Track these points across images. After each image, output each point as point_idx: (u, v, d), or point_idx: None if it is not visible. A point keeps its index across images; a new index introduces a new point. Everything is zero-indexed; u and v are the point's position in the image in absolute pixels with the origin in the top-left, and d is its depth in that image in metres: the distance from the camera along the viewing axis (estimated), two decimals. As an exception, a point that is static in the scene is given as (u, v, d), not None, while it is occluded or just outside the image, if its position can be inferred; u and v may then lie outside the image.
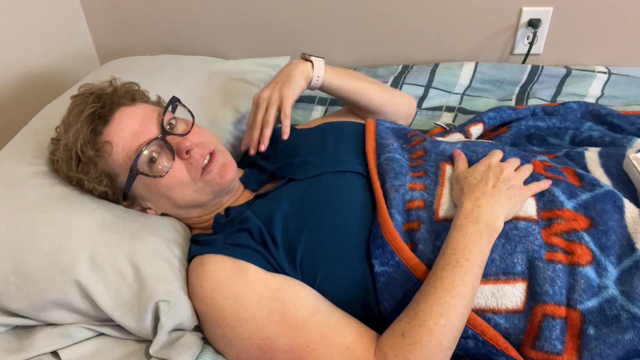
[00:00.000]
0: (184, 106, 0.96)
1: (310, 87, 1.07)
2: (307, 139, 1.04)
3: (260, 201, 0.92)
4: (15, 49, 1.43)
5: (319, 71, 1.05)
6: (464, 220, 0.78)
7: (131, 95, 0.96)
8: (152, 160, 0.87)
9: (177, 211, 0.95)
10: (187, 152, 0.88)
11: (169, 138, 0.88)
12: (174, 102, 0.94)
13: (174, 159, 0.88)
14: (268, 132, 1.00)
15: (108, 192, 0.91)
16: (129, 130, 0.88)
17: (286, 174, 0.95)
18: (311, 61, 1.05)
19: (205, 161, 0.90)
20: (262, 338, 0.77)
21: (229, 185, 0.93)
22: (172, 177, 0.88)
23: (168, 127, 0.90)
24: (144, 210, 0.95)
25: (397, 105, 1.17)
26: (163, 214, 0.97)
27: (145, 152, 0.87)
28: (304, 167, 0.95)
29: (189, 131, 0.91)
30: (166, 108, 0.92)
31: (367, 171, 0.93)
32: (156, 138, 0.88)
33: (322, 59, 1.06)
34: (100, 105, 0.89)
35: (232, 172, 0.92)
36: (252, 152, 1.01)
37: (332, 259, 0.82)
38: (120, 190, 0.91)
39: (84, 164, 0.88)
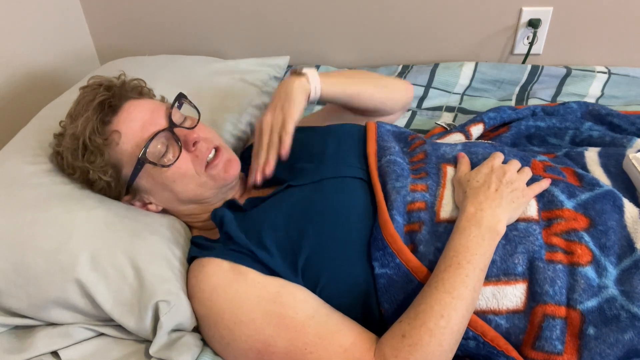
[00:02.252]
0: (190, 102, 0.98)
1: (310, 101, 0.99)
2: (307, 143, 1.04)
3: (258, 209, 0.91)
4: (16, 49, 1.43)
5: (315, 82, 0.98)
6: (466, 224, 0.79)
7: (139, 90, 0.98)
8: (159, 151, 0.88)
9: (179, 206, 0.95)
10: (194, 144, 0.89)
11: (177, 130, 0.90)
12: (181, 98, 0.96)
13: (180, 151, 0.89)
14: (272, 156, 0.93)
15: (111, 184, 0.91)
16: (139, 121, 0.89)
17: (285, 177, 0.95)
18: (304, 74, 0.97)
19: (211, 155, 0.91)
20: (259, 341, 0.77)
21: (232, 181, 0.94)
22: (178, 169, 0.89)
23: (175, 121, 0.91)
24: (144, 205, 0.95)
25: (393, 102, 1.12)
26: (163, 211, 0.97)
27: (154, 143, 0.88)
28: (303, 173, 0.94)
29: (195, 125, 0.93)
30: (173, 103, 0.94)
31: (367, 174, 0.93)
32: (164, 129, 0.89)
33: (314, 69, 1.00)
34: (111, 95, 0.90)
35: (237, 167, 0.94)
36: (259, 178, 0.92)
37: (335, 264, 0.82)
38: (124, 182, 0.91)
39: (90, 153, 0.88)
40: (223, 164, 0.92)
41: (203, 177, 0.91)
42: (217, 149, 0.92)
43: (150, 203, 0.94)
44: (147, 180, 0.90)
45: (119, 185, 0.91)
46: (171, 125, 0.89)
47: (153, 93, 1.02)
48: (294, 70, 1.00)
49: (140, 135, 0.88)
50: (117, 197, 0.94)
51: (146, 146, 0.87)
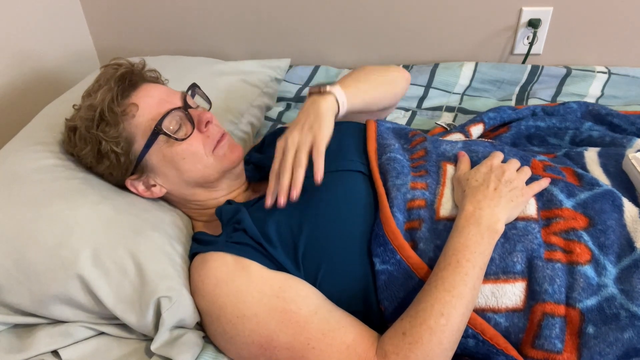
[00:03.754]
0: (203, 93, 1.01)
1: (336, 118, 0.94)
2: None
3: (261, 203, 0.92)
4: (16, 49, 1.43)
5: (342, 99, 0.93)
6: (465, 222, 0.79)
7: (155, 78, 1.01)
8: (173, 129, 0.91)
9: (183, 190, 0.95)
10: (207, 124, 0.92)
11: (191, 111, 0.93)
12: (194, 87, 1.00)
13: (193, 130, 0.92)
14: (300, 175, 0.84)
15: (121, 158, 0.91)
16: (156, 97, 0.93)
17: None
18: (330, 92, 0.92)
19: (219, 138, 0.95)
20: (262, 335, 0.77)
21: (237, 163, 0.96)
22: (189, 146, 0.91)
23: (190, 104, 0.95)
24: (148, 187, 0.95)
25: (397, 97, 1.12)
26: (166, 201, 0.99)
27: (168, 118, 0.90)
28: None
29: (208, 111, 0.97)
30: (187, 91, 0.98)
31: (368, 171, 0.94)
32: (179, 108, 0.92)
33: (337, 86, 0.94)
34: (131, 72, 0.94)
35: (240, 152, 0.96)
36: (283, 200, 0.84)
37: (334, 255, 0.83)
38: (133, 158, 0.92)
39: (105, 124, 0.90)
40: (228, 145, 0.95)
41: (210, 159, 0.93)
42: (223, 134, 0.96)
43: (155, 185, 0.95)
44: (157, 157, 0.92)
45: (127, 160, 0.92)
46: (186, 105, 0.93)
47: (167, 85, 1.04)
48: (316, 89, 0.93)
49: (157, 110, 0.91)
50: (123, 176, 0.94)
51: (162, 118, 0.90)
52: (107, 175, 0.95)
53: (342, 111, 0.93)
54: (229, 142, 0.95)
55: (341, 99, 0.93)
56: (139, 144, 0.91)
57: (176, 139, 0.90)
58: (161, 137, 0.90)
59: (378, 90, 1.04)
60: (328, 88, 0.92)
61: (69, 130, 0.96)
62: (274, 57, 1.50)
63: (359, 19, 1.54)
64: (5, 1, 1.39)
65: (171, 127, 0.91)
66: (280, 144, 0.88)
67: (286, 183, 0.84)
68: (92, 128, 0.90)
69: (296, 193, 0.83)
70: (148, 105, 0.91)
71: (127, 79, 0.92)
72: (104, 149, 0.90)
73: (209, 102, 1.01)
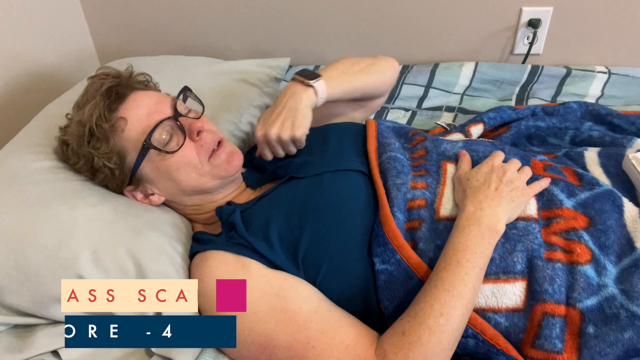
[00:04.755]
0: (195, 96, 0.99)
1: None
2: (308, 139, 1.04)
3: (261, 203, 0.92)
4: (16, 49, 1.43)
5: (322, 94, 0.97)
6: (465, 222, 0.79)
7: (145, 83, 1.00)
8: (164, 140, 0.89)
9: (181, 197, 0.95)
10: (198, 133, 0.90)
11: (182, 119, 0.91)
12: (186, 91, 0.97)
13: (184, 140, 0.90)
14: (293, 149, 0.98)
15: (115, 172, 0.91)
16: (145, 108, 0.90)
17: (287, 173, 0.96)
18: (312, 86, 0.96)
19: (215, 147, 0.93)
20: (262, 334, 0.77)
21: (234, 173, 0.95)
22: (182, 157, 0.90)
23: (180, 112, 0.93)
24: (147, 196, 0.95)
25: (385, 86, 1.14)
26: (165, 205, 0.98)
27: (158, 130, 0.89)
28: (305, 166, 0.96)
29: (200, 117, 0.94)
30: (178, 95, 0.95)
31: (368, 170, 0.94)
32: (169, 118, 0.90)
33: (320, 78, 0.97)
34: (118, 83, 0.91)
35: (239, 160, 0.95)
36: (268, 156, 0.98)
37: (335, 255, 0.83)
38: (128, 170, 0.91)
39: (95, 140, 0.89)
40: (226, 154, 0.93)
41: (206, 167, 0.91)
42: (220, 142, 0.94)
43: (153, 194, 0.94)
44: (151, 169, 0.91)
45: (122, 173, 0.92)
46: (176, 114, 0.91)
47: (159, 87, 1.03)
48: (299, 78, 0.97)
49: (147, 123, 0.89)
50: (120, 187, 0.94)
51: (151, 132, 0.88)
52: (104, 186, 0.94)
53: (320, 103, 0.98)
54: (226, 150, 0.93)
55: (321, 94, 0.97)
56: (131, 157, 0.90)
57: (167, 152, 0.89)
58: (153, 151, 0.89)
59: (361, 79, 1.06)
60: (312, 82, 0.96)
61: (62, 144, 0.95)
62: (274, 57, 1.50)
63: (359, 18, 1.54)
64: (5, 1, 1.39)
65: (162, 139, 0.89)
66: (259, 137, 0.97)
67: (281, 153, 0.97)
68: (84, 145, 0.90)
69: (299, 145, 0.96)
70: (137, 117, 0.89)
71: (113, 92, 0.90)
72: (97, 164, 0.90)
73: (202, 105, 0.98)
